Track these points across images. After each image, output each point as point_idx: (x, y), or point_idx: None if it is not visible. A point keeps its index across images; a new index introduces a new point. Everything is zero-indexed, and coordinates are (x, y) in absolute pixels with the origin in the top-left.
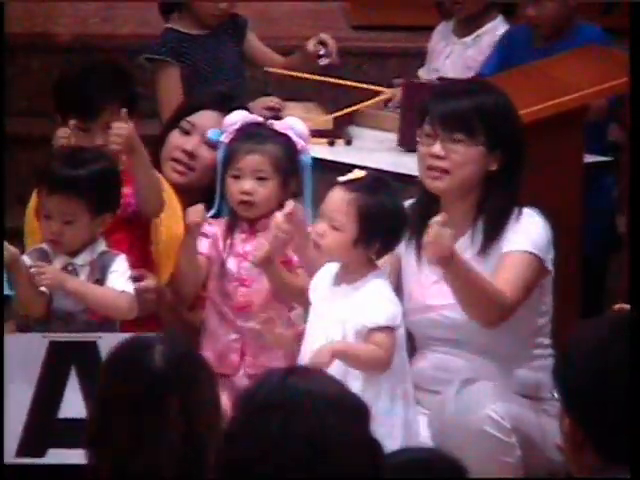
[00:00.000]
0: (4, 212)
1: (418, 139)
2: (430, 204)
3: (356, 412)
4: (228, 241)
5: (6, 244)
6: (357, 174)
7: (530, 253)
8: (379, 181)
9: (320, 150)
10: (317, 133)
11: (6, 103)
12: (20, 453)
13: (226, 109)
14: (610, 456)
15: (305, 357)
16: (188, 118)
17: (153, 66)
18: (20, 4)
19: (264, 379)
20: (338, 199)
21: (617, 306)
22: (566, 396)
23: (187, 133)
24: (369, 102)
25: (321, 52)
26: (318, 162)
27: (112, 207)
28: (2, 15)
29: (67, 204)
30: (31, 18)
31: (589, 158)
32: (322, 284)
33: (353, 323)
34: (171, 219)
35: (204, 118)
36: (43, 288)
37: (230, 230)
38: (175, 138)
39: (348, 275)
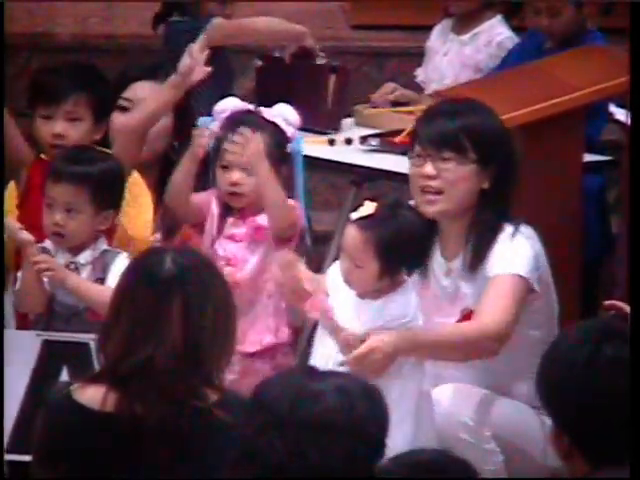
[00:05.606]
0: (4, 211)
1: (409, 161)
2: (428, 227)
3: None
4: (218, 225)
5: (22, 230)
6: (368, 208)
7: (517, 275)
8: (391, 208)
9: (321, 150)
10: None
11: (6, 103)
12: (11, 450)
13: (159, 77)
14: (598, 459)
15: (319, 356)
16: (123, 95)
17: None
18: (20, 4)
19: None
20: (354, 239)
21: (607, 302)
22: (546, 404)
23: (126, 109)
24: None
25: None
26: (319, 161)
27: (115, 204)
28: (2, 15)
29: (71, 192)
30: (31, 18)
31: (587, 158)
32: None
33: None
34: (132, 220)
35: (138, 90)
36: (45, 281)
37: (222, 215)
38: (117, 118)
39: (373, 292)
